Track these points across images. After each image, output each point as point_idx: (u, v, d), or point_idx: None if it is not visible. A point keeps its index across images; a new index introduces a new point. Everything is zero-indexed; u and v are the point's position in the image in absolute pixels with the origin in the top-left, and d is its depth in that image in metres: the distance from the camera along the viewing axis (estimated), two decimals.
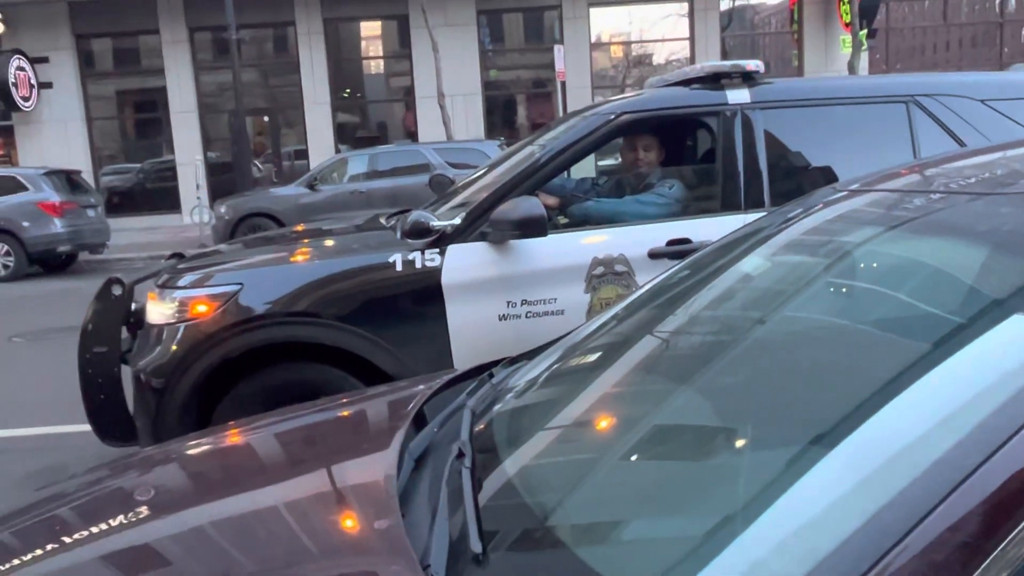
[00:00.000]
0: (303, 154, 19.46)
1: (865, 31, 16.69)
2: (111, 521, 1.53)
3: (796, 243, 1.83)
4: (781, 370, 1.44)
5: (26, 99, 18.51)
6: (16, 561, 1.41)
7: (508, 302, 3.33)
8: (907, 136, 3.42)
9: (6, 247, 12.74)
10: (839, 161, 3.49)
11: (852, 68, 16.16)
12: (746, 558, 0.96)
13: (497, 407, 1.65)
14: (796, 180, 3.53)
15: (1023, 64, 4.49)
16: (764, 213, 3.12)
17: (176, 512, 1.58)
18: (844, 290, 1.63)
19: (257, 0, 17.89)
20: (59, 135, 19.03)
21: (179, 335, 3.37)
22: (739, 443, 1.32)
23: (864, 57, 16.94)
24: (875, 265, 1.61)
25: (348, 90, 20.31)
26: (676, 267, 2.04)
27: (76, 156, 18.52)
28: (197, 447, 1.97)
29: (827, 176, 3.44)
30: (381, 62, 20.81)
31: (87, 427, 3.80)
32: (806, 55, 19.67)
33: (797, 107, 3.56)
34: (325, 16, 19.07)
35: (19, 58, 18.24)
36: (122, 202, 19.57)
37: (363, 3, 18.98)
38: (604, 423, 1.55)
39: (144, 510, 1.59)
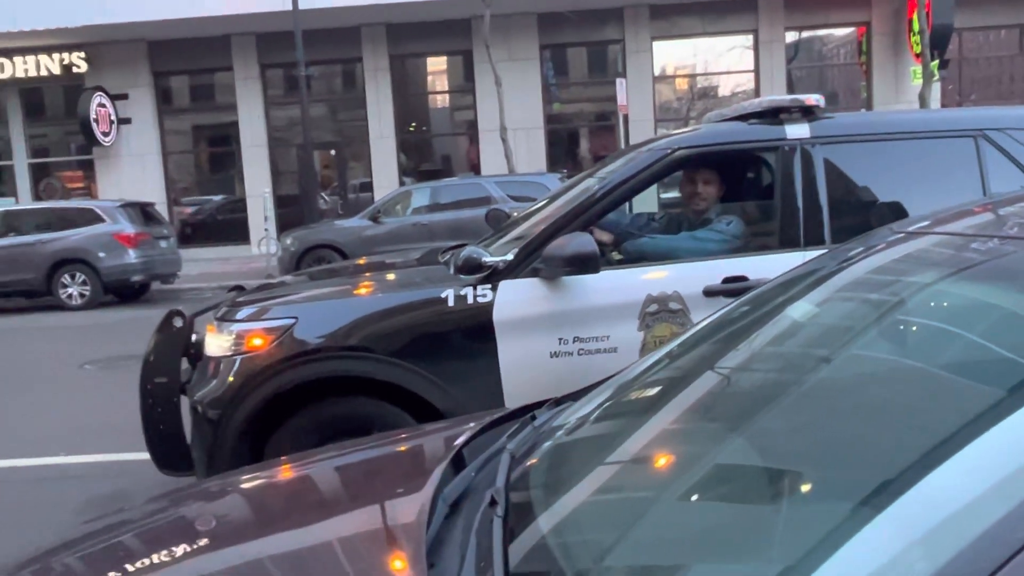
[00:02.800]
0: (368, 187, 19.79)
1: (937, 61, 16.29)
2: (170, 550, 1.58)
3: (856, 283, 1.77)
4: (836, 415, 1.38)
5: (106, 134, 19.28)
6: None
7: (560, 339, 3.29)
8: (976, 172, 3.30)
9: (83, 276, 13.20)
10: (903, 197, 3.37)
11: (923, 100, 15.78)
12: None
13: (537, 451, 1.62)
14: (858, 217, 3.43)
15: None
16: (824, 250, 3.04)
17: (228, 545, 1.62)
18: (905, 334, 1.56)
19: (326, 37, 18.36)
20: (136, 169, 19.75)
21: (235, 368, 3.42)
22: (786, 494, 1.26)
23: (936, 88, 16.55)
24: (938, 309, 1.54)
25: (413, 124, 20.65)
26: (731, 305, 1.98)
27: (152, 189, 19.17)
28: (251, 481, 2.01)
29: (892, 212, 3.33)
30: (446, 96, 21.12)
31: (147, 455, 3.87)
32: (875, 86, 19.31)
33: (859, 142, 3.47)
34: (391, 52, 19.48)
35: (100, 95, 19.04)
36: (194, 233, 20.18)
37: (428, 39, 19.34)
38: (646, 471, 1.50)
39: (202, 541, 1.64)
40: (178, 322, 3.77)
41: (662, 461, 1.54)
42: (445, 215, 13.63)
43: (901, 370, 1.45)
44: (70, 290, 13.24)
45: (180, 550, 1.58)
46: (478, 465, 1.60)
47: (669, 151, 3.47)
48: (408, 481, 1.75)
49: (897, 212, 3.32)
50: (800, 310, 1.78)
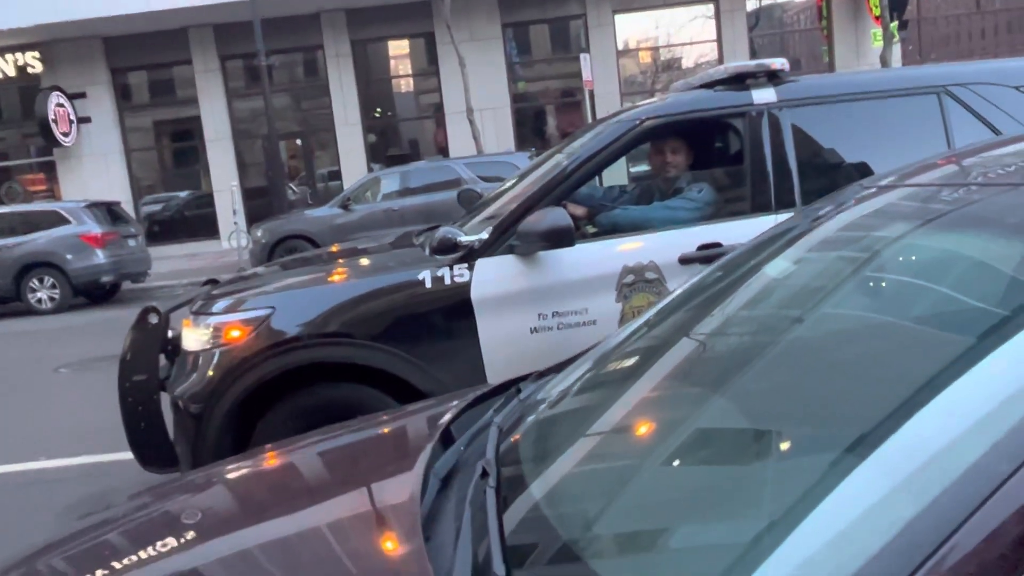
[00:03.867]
0: (336, 175, 19.65)
1: (896, 23, 16.41)
2: (156, 546, 1.56)
3: (828, 241, 1.79)
4: (817, 371, 1.40)
5: (66, 134, 18.94)
6: None
7: (539, 314, 3.31)
8: (940, 127, 3.34)
9: (51, 280, 13.01)
10: (871, 156, 3.41)
11: (884, 61, 15.90)
12: (777, 571, 0.92)
13: (524, 423, 1.63)
14: (827, 178, 3.46)
15: None
16: (794, 213, 3.07)
17: (216, 536, 1.61)
18: (879, 288, 1.58)
19: (285, 25, 18.13)
20: (99, 168, 19.44)
21: (214, 361, 3.40)
22: (770, 452, 1.28)
23: (896, 49, 16.67)
24: (910, 262, 1.56)
25: (378, 109, 20.49)
26: (706, 271, 2.00)
27: (116, 188, 18.90)
28: (236, 471, 2.00)
29: (860, 172, 3.36)
30: (410, 80, 20.97)
31: (130, 455, 3.85)
32: (837, 50, 19.42)
33: (825, 104, 3.49)
34: (352, 38, 19.28)
35: (58, 95, 18.69)
36: (162, 230, 19.92)
37: (389, 23, 19.15)
38: (631, 437, 1.52)
39: (188, 534, 1.62)
40: (153, 318, 3.73)
41: (648, 426, 1.56)
42: (416, 199, 13.58)
43: (878, 323, 1.47)
44: (39, 294, 13.05)
45: (168, 545, 1.55)
46: (467, 440, 1.61)
47: (638, 122, 3.48)
48: (397, 460, 1.75)
49: (864, 172, 3.35)
50: (776, 269, 1.80)
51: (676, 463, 1.37)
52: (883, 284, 1.58)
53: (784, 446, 1.28)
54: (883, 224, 1.70)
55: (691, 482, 1.31)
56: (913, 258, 1.56)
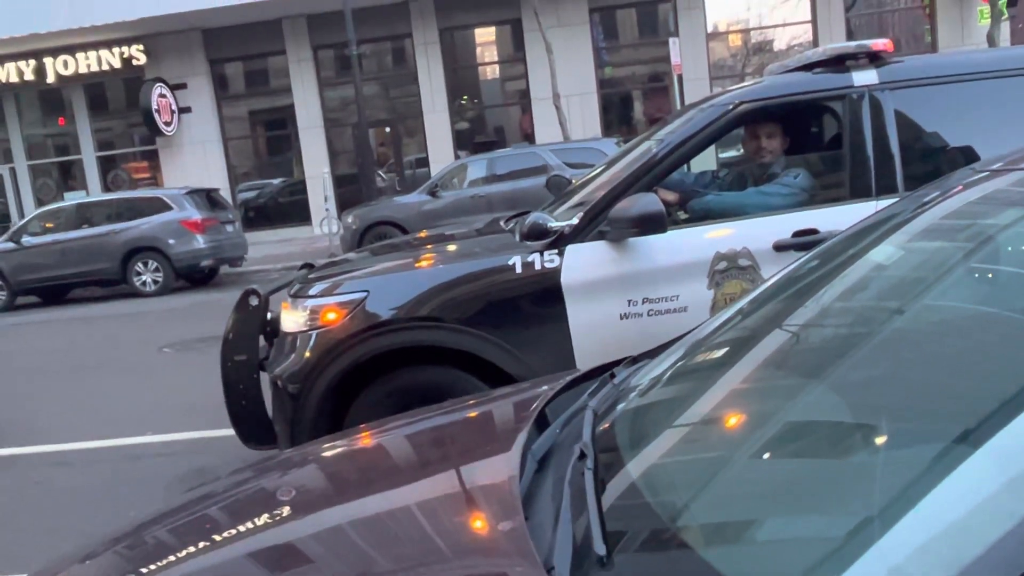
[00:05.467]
0: (424, 162, 19.92)
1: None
2: (255, 520, 1.62)
3: (935, 228, 1.74)
4: (921, 363, 1.36)
5: (168, 124, 19.74)
6: (172, 558, 1.50)
7: (629, 300, 3.30)
8: None
9: (155, 264, 13.62)
10: (980, 140, 3.27)
11: (992, 40, 15.15)
12: (884, 564, 0.91)
13: (619, 407, 1.63)
14: (933, 163, 3.34)
15: None
16: (897, 199, 2.97)
17: (314, 512, 1.65)
18: (988, 277, 1.53)
19: (375, 15, 18.43)
20: (198, 156, 20.20)
21: (311, 342, 3.51)
22: (877, 441, 1.25)
23: (1005, 28, 15.88)
24: (1021, 250, 1.50)
25: (465, 97, 20.64)
26: (805, 257, 1.96)
27: (214, 175, 19.60)
28: (332, 450, 2.05)
29: (967, 157, 3.23)
30: (496, 67, 21.04)
31: (231, 431, 4.01)
32: (940, 30, 18.59)
33: (930, 85, 3.36)
34: (440, 26, 19.46)
35: (160, 86, 19.48)
36: (257, 216, 20.60)
37: (476, 10, 19.25)
38: (731, 421, 1.51)
39: (285, 510, 1.67)
40: (254, 301, 3.87)
41: (745, 414, 1.55)
42: (502, 186, 13.65)
43: (986, 314, 1.42)
44: (144, 277, 13.67)
45: (264, 519, 1.61)
46: (562, 422, 1.63)
47: (732, 106, 3.42)
48: (492, 441, 1.79)
49: (972, 157, 3.22)
50: (878, 257, 1.75)
51: (777, 451, 1.35)
52: (994, 273, 1.52)
53: (891, 436, 1.25)
54: (994, 211, 1.63)
55: (791, 471, 1.29)
56: (1022, 248, 1.50)
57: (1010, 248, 1.53)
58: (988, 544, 0.82)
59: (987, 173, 1.69)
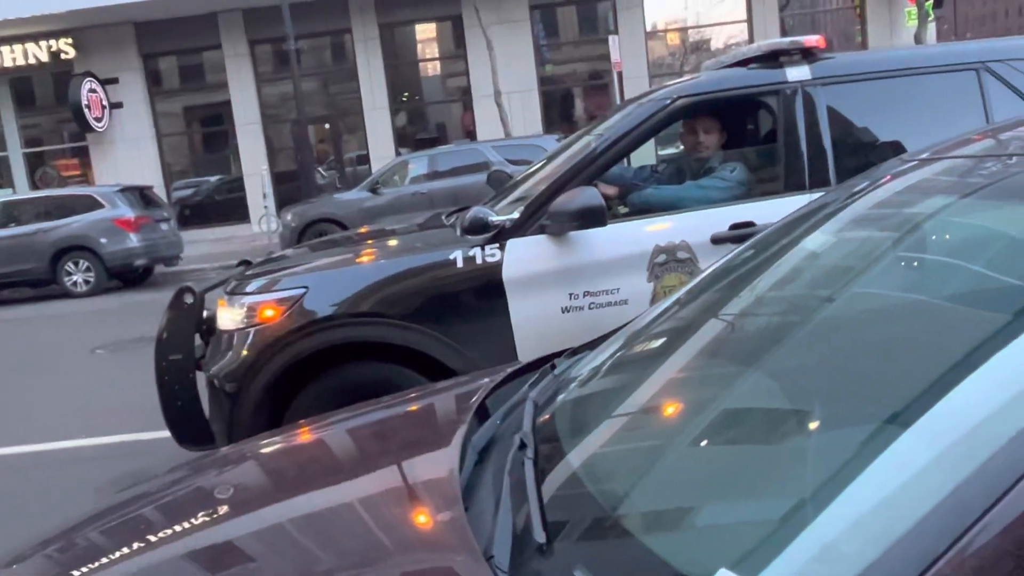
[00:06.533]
0: (364, 159, 19.73)
1: (931, 1, 16.11)
2: (192, 519, 1.57)
3: (864, 217, 1.77)
4: (852, 348, 1.39)
5: (99, 120, 19.18)
6: (104, 560, 1.45)
7: (570, 294, 3.31)
8: (979, 104, 3.28)
9: (86, 263, 13.22)
10: (908, 134, 3.36)
11: (919, 41, 15.64)
12: (818, 541, 0.93)
13: (559, 398, 1.64)
14: (863, 156, 3.42)
15: None
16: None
17: (253, 510, 1.61)
18: (916, 264, 1.57)
19: (314, 10, 18.17)
20: (131, 153, 19.67)
21: (249, 340, 3.44)
22: (811, 425, 1.28)
23: (931, 28, 16.39)
24: (948, 236, 1.54)
25: (406, 93, 20.51)
26: (739, 248, 1.99)
27: (148, 172, 19.12)
28: (271, 446, 2.01)
29: (896, 151, 3.32)
30: (437, 63, 20.95)
31: (166, 433, 3.91)
32: (870, 30, 19.10)
33: (861, 81, 3.45)
34: (380, 21, 19.29)
35: (91, 80, 18.91)
36: (193, 214, 20.16)
37: (417, 6, 19.13)
38: (669, 409, 1.52)
39: (223, 508, 1.63)
40: (189, 298, 3.78)
41: (682, 402, 1.56)
42: (444, 183, 13.60)
43: (915, 299, 1.46)
44: (74, 277, 13.27)
45: (201, 518, 1.56)
46: (502, 414, 1.62)
47: (670, 100, 3.45)
48: (432, 434, 1.77)
49: (901, 151, 3.31)
50: (810, 247, 1.79)
51: (713, 438, 1.37)
52: (922, 260, 1.56)
53: (822, 420, 1.27)
54: (920, 199, 1.68)
55: (728, 457, 1.31)
56: (954, 233, 1.54)
57: (935, 236, 1.57)
58: (917, 519, 0.84)
59: (914, 163, 1.73)
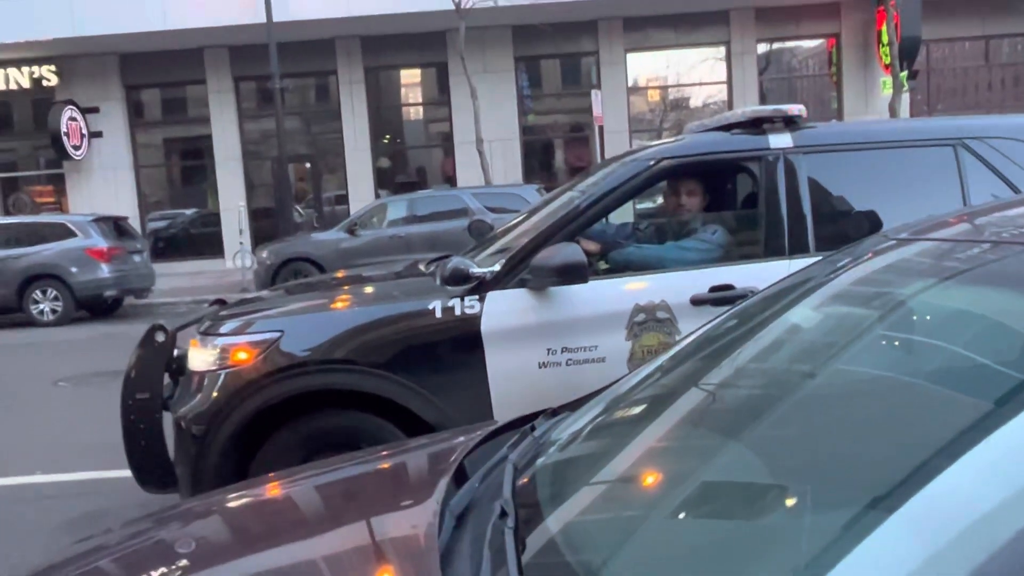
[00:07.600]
0: (343, 199, 19.74)
1: (906, 72, 16.56)
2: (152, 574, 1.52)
3: (846, 293, 1.79)
4: (833, 426, 1.39)
5: (77, 148, 19.06)
6: None
7: (548, 349, 3.30)
8: (956, 180, 3.35)
9: (55, 292, 13.01)
10: (886, 206, 3.42)
11: (893, 110, 16.03)
12: None
13: (540, 461, 1.61)
14: (842, 225, 3.48)
15: None
16: (809, 258, 3.07)
17: (215, 566, 1.56)
18: (897, 343, 1.58)
19: (300, 50, 18.30)
20: (108, 183, 19.53)
21: (220, 382, 3.39)
22: (792, 504, 1.27)
23: (905, 99, 16.80)
24: (929, 317, 1.56)
25: (388, 136, 20.63)
26: (721, 317, 1.99)
27: (123, 203, 18.97)
28: (237, 500, 1.96)
29: (873, 221, 3.38)
30: (420, 108, 21.13)
31: (128, 473, 3.82)
32: (845, 97, 19.59)
33: (841, 151, 3.52)
34: (366, 64, 19.46)
35: (71, 109, 18.84)
36: (167, 247, 19.98)
37: (403, 52, 19.34)
38: (651, 480, 1.51)
39: (184, 563, 1.58)
40: (160, 337, 3.72)
41: (663, 472, 1.55)
42: (422, 227, 13.61)
43: (896, 379, 1.46)
44: (42, 306, 13.05)
45: (160, 574, 1.52)
46: (481, 476, 1.59)
47: (654, 161, 3.49)
48: (407, 494, 1.74)
49: (875, 221, 3.37)
50: (793, 320, 1.80)
51: (693, 511, 1.35)
52: (903, 339, 1.57)
53: (808, 500, 1.26)
54: (903, 279, 1.69)
55: (708, 531, 1.30)
56: (934, 314, 1.55)
57: (914, 316, 1.58)
58: None
59: (894, 242, 1.75)
